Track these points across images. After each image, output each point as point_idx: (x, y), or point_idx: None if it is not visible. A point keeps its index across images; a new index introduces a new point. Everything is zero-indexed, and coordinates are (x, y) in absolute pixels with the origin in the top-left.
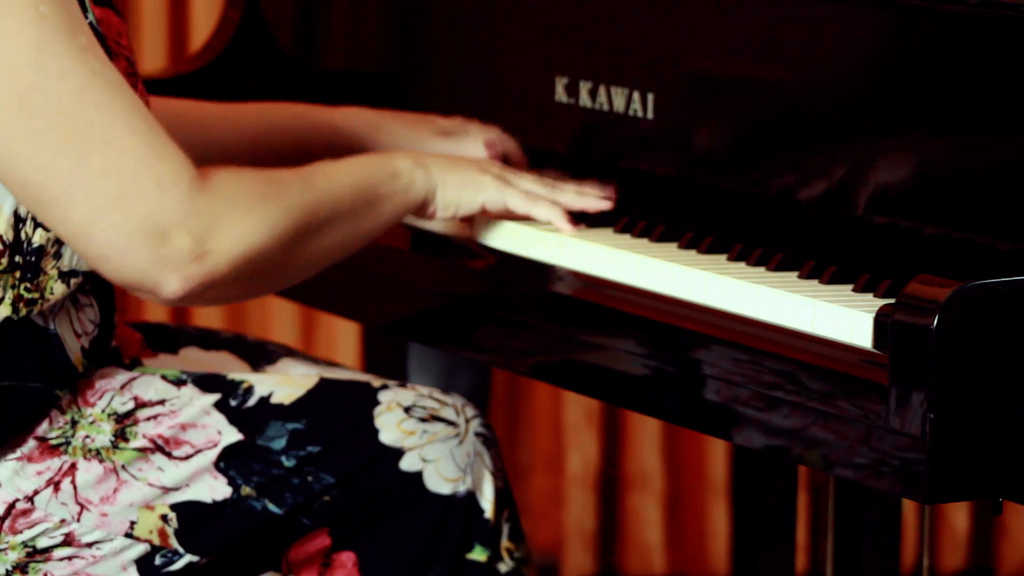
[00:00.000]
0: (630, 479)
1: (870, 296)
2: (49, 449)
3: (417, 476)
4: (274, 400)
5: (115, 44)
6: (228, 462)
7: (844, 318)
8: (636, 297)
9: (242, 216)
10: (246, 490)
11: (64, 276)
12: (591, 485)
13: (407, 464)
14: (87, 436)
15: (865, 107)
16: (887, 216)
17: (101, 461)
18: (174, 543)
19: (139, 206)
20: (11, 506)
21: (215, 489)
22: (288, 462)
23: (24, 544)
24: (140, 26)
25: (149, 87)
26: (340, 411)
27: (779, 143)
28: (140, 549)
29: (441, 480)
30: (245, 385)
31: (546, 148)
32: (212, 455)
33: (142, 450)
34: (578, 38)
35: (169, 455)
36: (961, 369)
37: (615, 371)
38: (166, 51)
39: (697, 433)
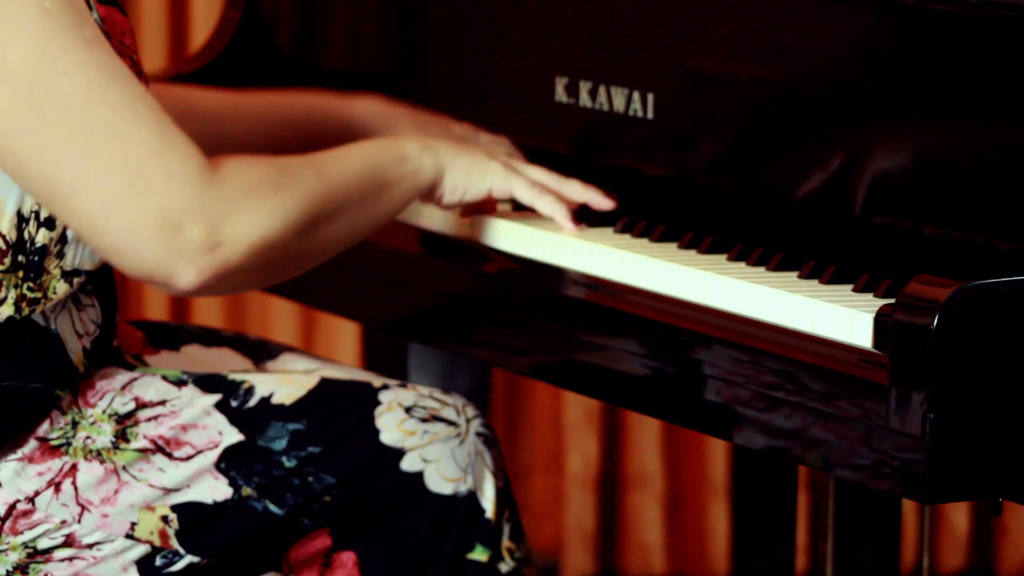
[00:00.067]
0: (630, 479)
1: (870, 296)
2: (50, 450)
3: (418, 476)
4: (275, 400)
5: (119, 43)
6: (229, 463)
7: (844, 318)
8: (636, 297)
9: (254, 205)
10: (247, 491)
11: (67, 275)
12: (591, 485)
13: (408, 464)
14: (88, 437)
15: (865, 107)
16: (887, 216)
17: (102, 462)
18: (175, 544)
19: (151, 198)
20: (12, 507)
21: (216, 490)
22: (289, 462)
23: (25, 545)
24: (140, 26)
25: None
26: (341, 411)
27: (779, 143)
28: (141, 550)
29: (442, 480)
30: (246, 386)
31: (546, 148)
32: (213, 456)
33: (143, 451)
34: (578, 38)
35: (170, 456)
36: (961, 369)
37: (615, 371)
38: (166, 51)
39: (697, 433)
